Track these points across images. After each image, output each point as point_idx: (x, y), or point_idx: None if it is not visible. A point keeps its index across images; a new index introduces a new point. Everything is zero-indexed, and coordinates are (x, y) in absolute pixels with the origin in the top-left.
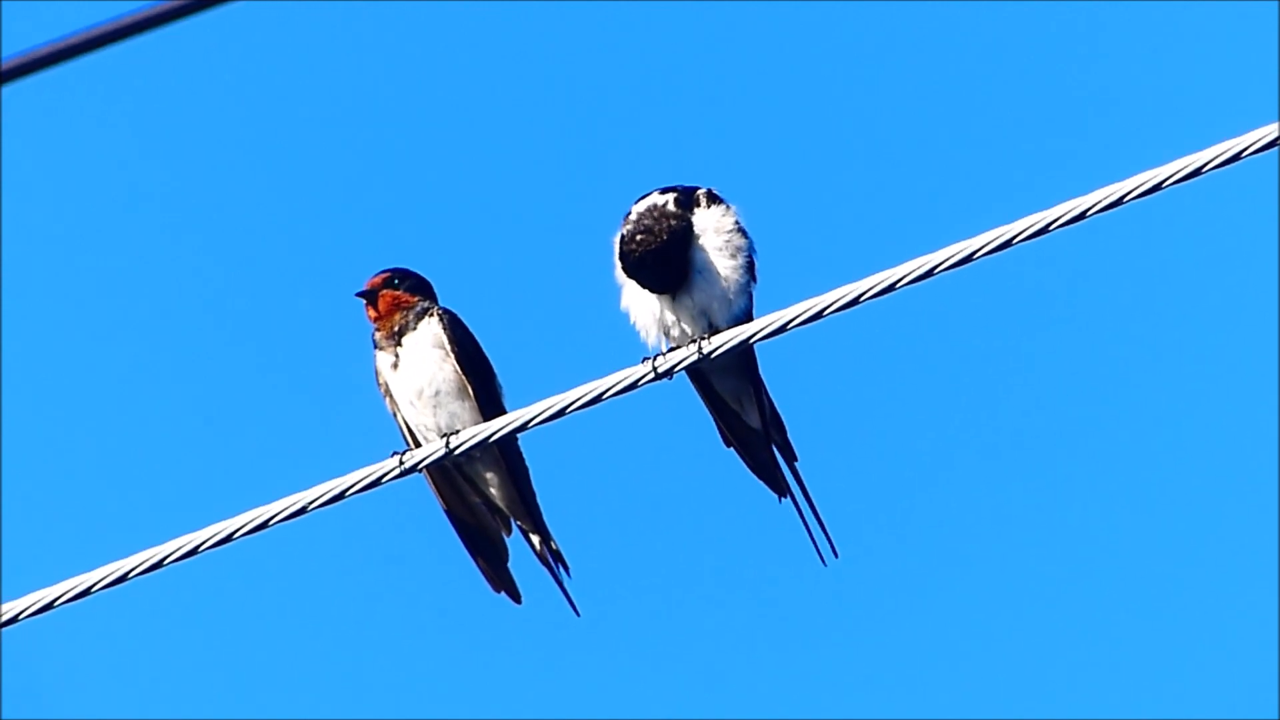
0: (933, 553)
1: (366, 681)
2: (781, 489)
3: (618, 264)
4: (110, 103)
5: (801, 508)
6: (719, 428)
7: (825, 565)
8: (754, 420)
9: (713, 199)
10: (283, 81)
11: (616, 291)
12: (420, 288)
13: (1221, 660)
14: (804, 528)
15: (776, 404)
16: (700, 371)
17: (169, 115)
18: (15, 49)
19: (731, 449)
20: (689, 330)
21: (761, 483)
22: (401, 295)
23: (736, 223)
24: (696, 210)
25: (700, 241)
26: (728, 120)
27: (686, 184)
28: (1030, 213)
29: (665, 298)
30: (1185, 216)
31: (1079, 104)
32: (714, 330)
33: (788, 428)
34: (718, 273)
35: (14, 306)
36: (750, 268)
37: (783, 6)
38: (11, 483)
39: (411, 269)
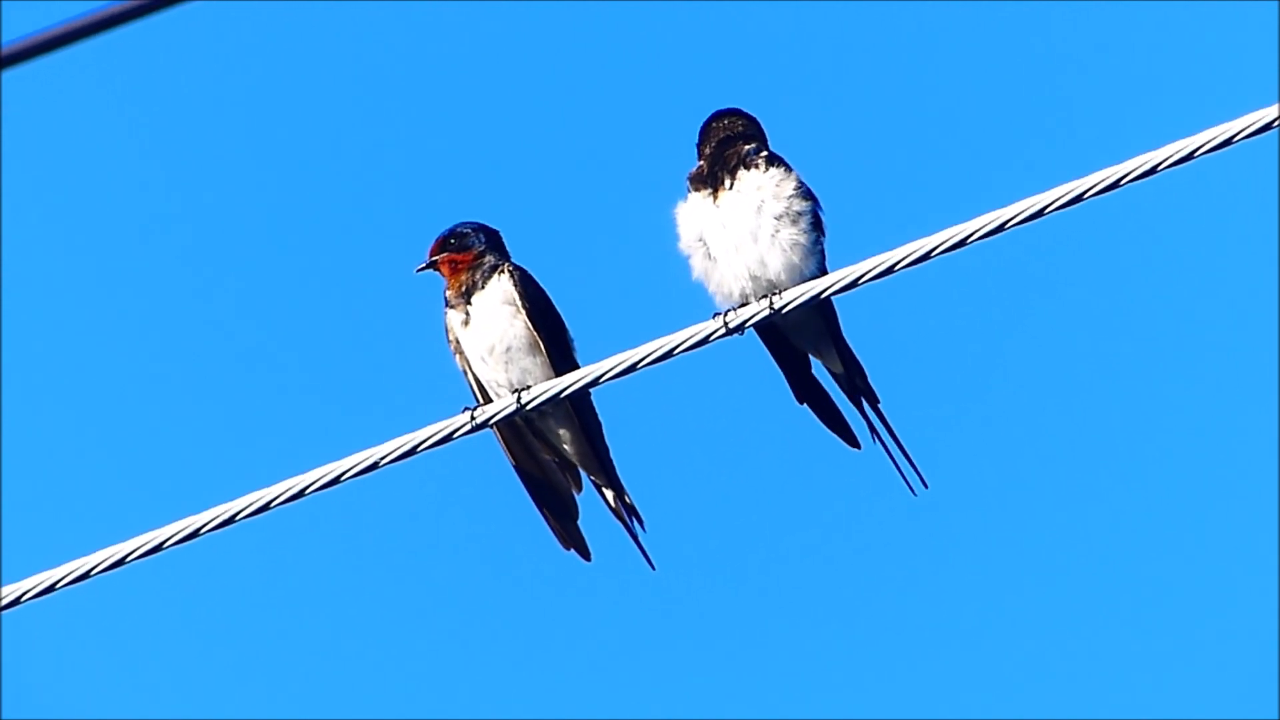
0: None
1: (440, 638)
2: (852, 440)
3: (681, 235)
4: (133, 91)
5: (889, 445)
6: (791, 386)
7: (915, 495)
8: (836, 366)
9: (772, 162)
10: (334, 46)
11: (684, 261)
12: (474, 240)
13: (1221, 660)
14: (892, 463)
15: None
16: (777, 327)
17: (199, 102)
18: (18, 32)
19: (805, 406)
20: (758, 294)
21: (835, 435)
22: (457, 256)
23: (797, 187)
24: (755, 171)
25: (763, 208)
26: (803, 79)
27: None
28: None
29: (734, 267)
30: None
31: (1107, 79)
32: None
33: (868, 373)
34: (783, 242)
35: (51, 290)
36: (816, 227)
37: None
38: (65, 452)
39: (470, 221)
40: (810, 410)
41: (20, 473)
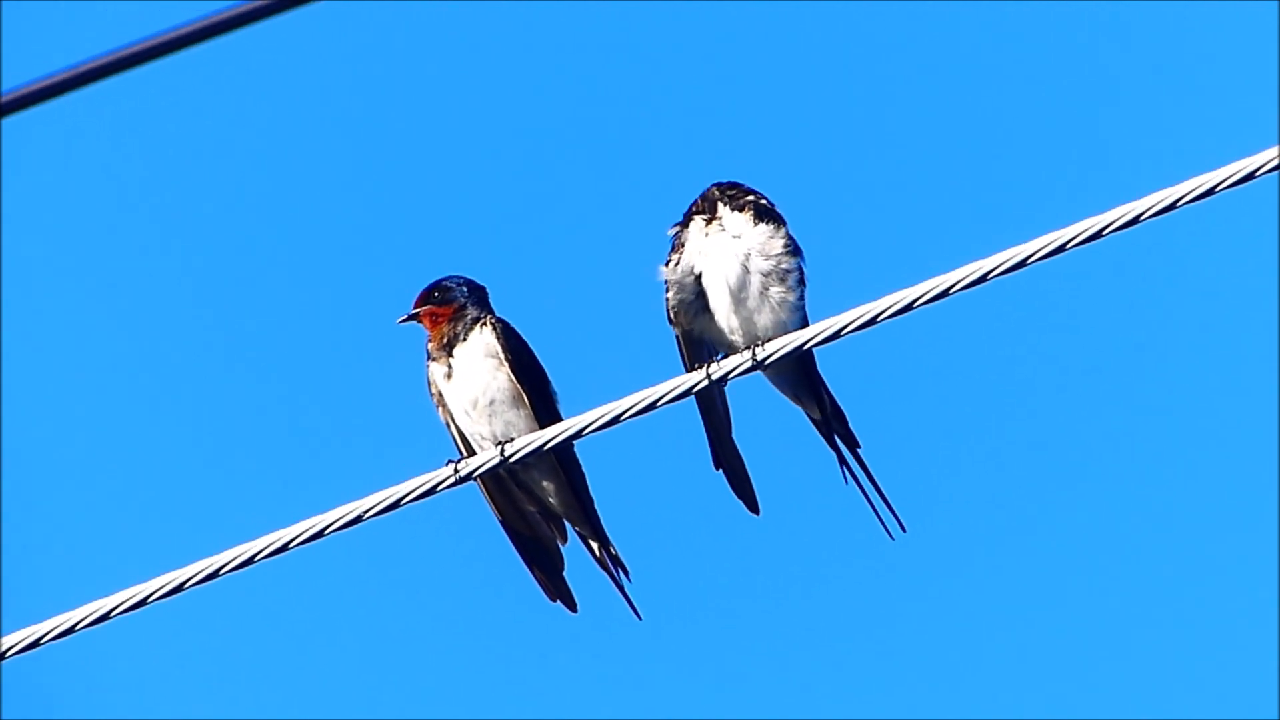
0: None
1: (422, 691)
2: (755, 506)
3: (669, 299)
4: (150, 118)
5: (867, 490)
6: (712, 450)
7: (894, 539)
8: (815, 414)
9: (760, 216)
10: (329, 91)
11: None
12: (457, 293)
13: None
14: (871, 508)
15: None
16: (758, 373)
17: (211, 131)
18: (24, 71)
19: (719, 471)
20: (743, 346)
21: (740, 501)
22: (438, 309)
23: (785, 245)
24: (742, 221)
25: (749, 265)
26: (787, 120)
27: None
28: (1086, 216)
29: (719, 324)
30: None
31: (1120, 116)
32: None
33: (848, 418)
34: (768, 300)
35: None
36: (800, 282)
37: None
38: (63, 492)
39: (458, 275)
40: (723, 475)
41: (14, 518)
